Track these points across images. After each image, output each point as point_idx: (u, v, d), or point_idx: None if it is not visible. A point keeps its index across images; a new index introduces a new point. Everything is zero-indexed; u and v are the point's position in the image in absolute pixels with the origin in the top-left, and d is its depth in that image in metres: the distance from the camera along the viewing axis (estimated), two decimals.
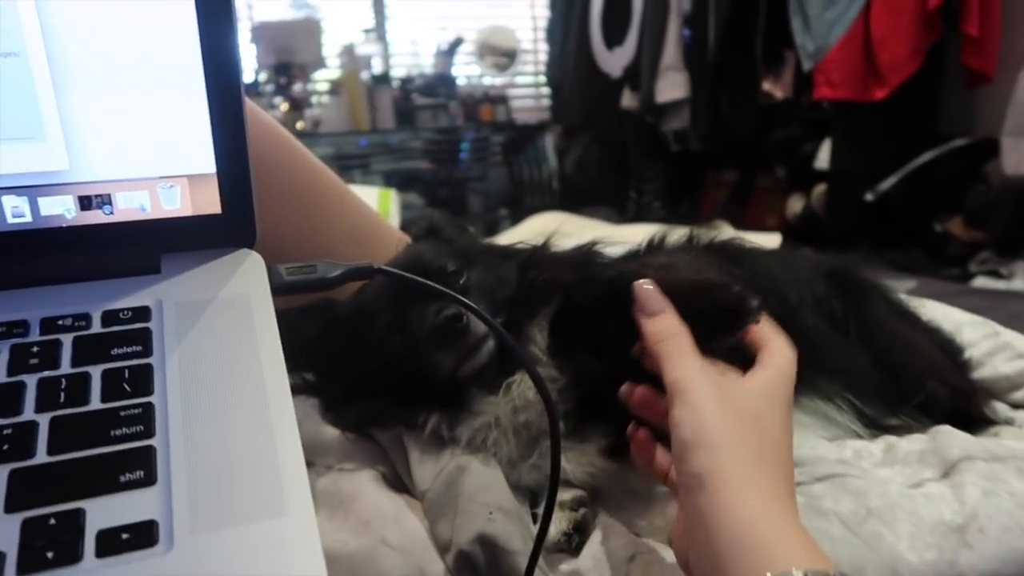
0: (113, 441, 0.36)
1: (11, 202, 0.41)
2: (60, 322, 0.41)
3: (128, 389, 0.38)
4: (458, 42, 3.78)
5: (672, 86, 2.97)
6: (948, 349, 0.78)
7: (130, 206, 0.44)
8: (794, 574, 0.36)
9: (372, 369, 0.63)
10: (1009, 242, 2.22)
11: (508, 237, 2.19)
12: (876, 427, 0.65)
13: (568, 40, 3.62)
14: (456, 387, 0.59)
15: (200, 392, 0.38)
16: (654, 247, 0.74)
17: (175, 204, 0.44)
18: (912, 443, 0.61)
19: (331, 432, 0.63)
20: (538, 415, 0.57)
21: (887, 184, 2.44)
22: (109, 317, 0.41)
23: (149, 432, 0.36)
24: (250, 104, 0.55)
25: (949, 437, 0.59)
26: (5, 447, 0.35)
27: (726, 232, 1.71)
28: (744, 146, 2.98)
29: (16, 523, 0.32)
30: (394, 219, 1.52)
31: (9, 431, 0.35)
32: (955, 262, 2.29)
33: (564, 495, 0.56)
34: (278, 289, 0.45)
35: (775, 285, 0.67)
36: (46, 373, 0.38)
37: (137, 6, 0.41)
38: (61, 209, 0.42)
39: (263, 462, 0.36)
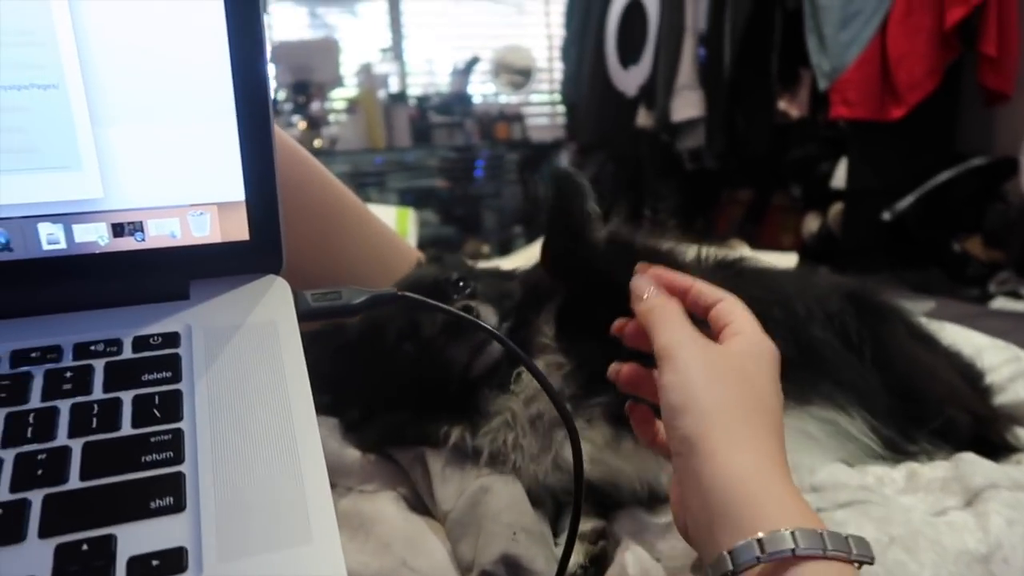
0: (143, 467, 0.36)
1: (47, 229, 0.42)
2: (92, 347, 0.41)
3: (158, 415, 0.39)
4: (474, 61, 3.81)
5: (687, 105, 2.98)
6: (969, 374, 0.77)
7: (161, 233, 0.45)
8: (783, 532, 0.36)
9: (387, 380, 0.64)
10: None
11: (523, 256, 2.19)
12: (893, 449, 0.65)
13: (583, 59, 3.64)
14: (471, 389, 0.60)
15: (228, 418, 0.39)
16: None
17: (205, 231, 0.45)
18: (934, 470, 0.61)
19: (352, 453, 0.63)
20: (548, 403, 0.58)
21: (904, 203, 2.43)
22: (140, 343, 0.42)
23: (178, 458, 0.37)
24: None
25: (972, 465, 0.59)
26: (39, 472, 0.35)
27: (741, 251, 1.71)
28: (760, 165, 2.98)
29: (50, 549, 0.33)
30: (411, 238, 1.53)
31: (43, 456, 0.36)
32: (974, 282, 2.27)
33: (584, 525, 0.56)
34: (304, 315, 0.46)
35: (782, 297, 0.67)
36: (79, 398, 0.39)
37: (173, 39, 0.42)
38: (95, 236, 0.43)
39: (290, 489, 0.36)
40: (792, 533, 0.36)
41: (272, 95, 0.48)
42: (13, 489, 0.35)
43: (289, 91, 3.36)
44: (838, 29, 2.35)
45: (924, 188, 2.41)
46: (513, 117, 3.84)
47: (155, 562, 0.32)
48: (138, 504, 0.35)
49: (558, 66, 4.10)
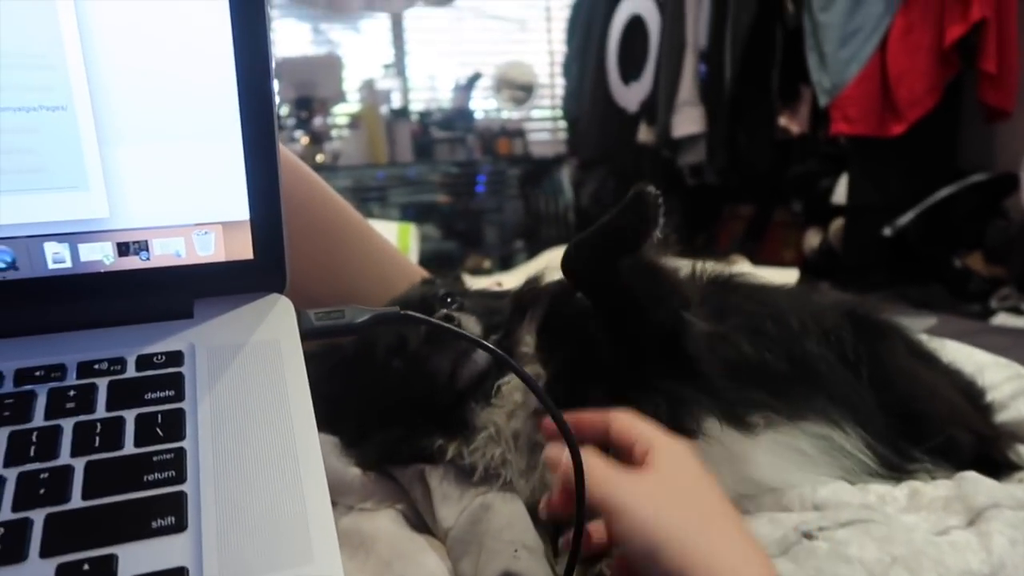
0: (146, 486, 0.36)
1: (52, 248, 0.43)
2: (96, 366, 0.42)
3: (161, 434, 0.39)
4: (476, 77, 3.83)
5: (688, 121, 2.99)
6: (970, 392, 0.77)
7: (166, 252, 0.45)
8: None
9: (380, 397, 0.64)
10: None
11: (524, 271, 2.20)
12: (889, 466, 0.64)
13: (585, 75, 3.66)
14: (459, 402, 0.60)
15: (230, 437, 0.39)
16: None
17: (209, 250, 0.45)
18: (937, 489, 0.60)
19: (352, 471, 0.63)
20: (525, 421, 0.58)
21: (905, 219, 2.43)
22: (143, 361, 0.42)
23: (180, 477, 0.37)
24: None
25: (975, 484, 0.59)
26: (42, 491, 0.36)
27: (742, 267, 1.71)
28: (761, 180, 2.98)
29: (51, 568, 0.33)
30: (413, 254, 1.53)
31: (46, 475, 0.36)
32: (976, 298, 2.27)
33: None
34: (307, 334, 0.46)
35: (776, 312, 0.67)
36: (82, 417, 0.39)
37: (180, 61, 0.43)
38: (100, 255, 0.44)
39: (291, 508, 0.36)
40: None
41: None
42: (16, 508, 0.35)
43: (292, 106, 3.38)
44: (838, 46, 2.36)
45: (925, 204, 2.41)
46: (515, 133, 3.86)
47: None
48: (140, 523, 0.35)
49: (560, 82, 4.12)
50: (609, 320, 0.59)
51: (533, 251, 3.27)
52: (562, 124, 4.20)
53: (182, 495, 0.36)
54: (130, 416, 0.39)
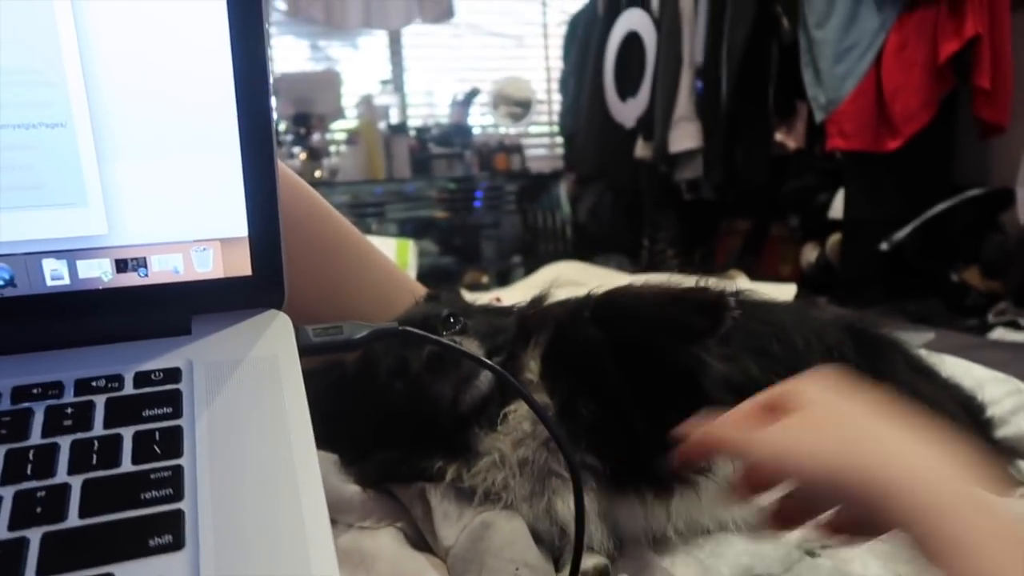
0: (143, 504, 0.36)
1: (51, 265, 0.43)
2: (94, 383, 0.41)
3: (158, 451, 0.38)
4: (474, 93, 3.85)
5: (685, 136, 3.00)
6: (970, 407, 0.77)
7: (164, 268, 0.45)
8: None
9: (381, 418, 0.63)
10: None
11: (522, 286, 2.20)
12: None
13: (582, 91, 3.68)
14: (461, 426, 0.60)
15: (228, 454, 0.39)
16: None
17: (207, 267, 0.45)
18: None
19: (352, 489, 0.63)
20: (535, 450, 0.57)
21: (902, 234, 2.44)
22: (141, 378, 0.42)
23: (178, 495, 0.37)
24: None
25: None
26: (38, 510, 0.35)
27: (741, 282, 1.71)
28: (757, 195, 2.99)
29: None
30: (412, 270, 1.54)
31: (43, 493, 0.36)
32: (973, 312, 2.27)
33: (587, 562, 0.55)
34: (305, 350, 0.46)
35: (781, 331, 0.67)
36: (79, 435, 0.39)
37: (179, 78, 0.43)
38: (98, 272, 0.44)
39: (289, 526, 0.36)
40: None
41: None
42: (12, 527, 0.34)
43: (290, 122, 3.39)
44: (834, 63, 2.38)
45: (921, 219, 2.42)
46: (512, 148, 3.87)
47: None
48: (137, 542, 0.34)
49: (557, 98, 4.14)
50: (622, 354, 0.58)
51: (530, 266, 3.27)
52: (559, 140, 4.22)
53: (179, 513, 0.36)
54: (128, 433, 0.39)
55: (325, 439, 0.65)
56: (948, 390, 0.78)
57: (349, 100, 3.68)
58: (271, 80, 0.45)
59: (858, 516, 0.41)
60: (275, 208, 0.46)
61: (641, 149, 3.30)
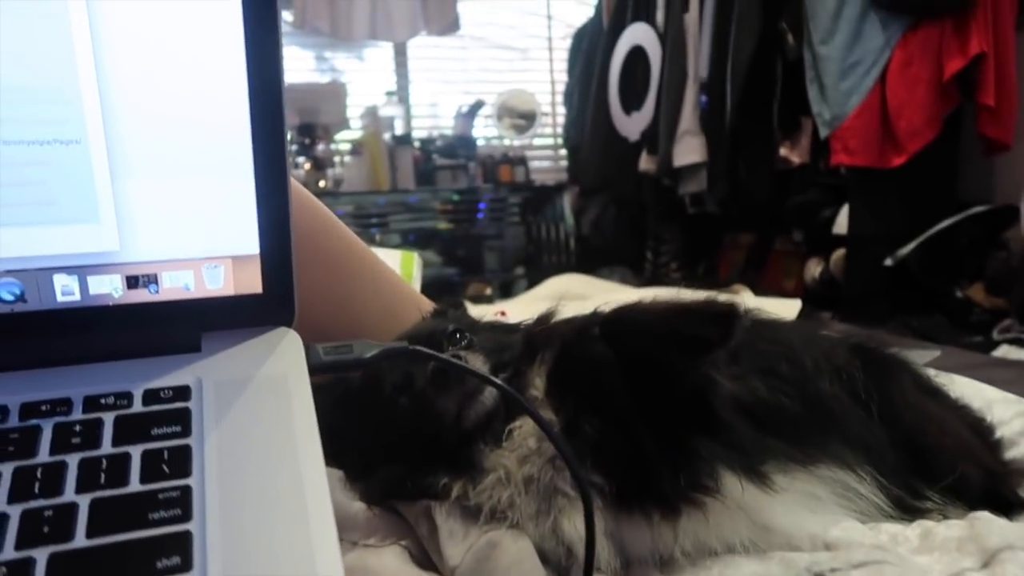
0: (151, 524, 0.36)
1: (62, 281, 0.43)
2: (102, 400, 0.41)
3: (167, 471, 0.38)
4: (478, 105, 3.87)
5: (689, 150, 3.01)
6: (979, 428, 0.77)
7: (175, 285, 0.45)
8: None
9: (385, 433, 0.63)
10: None
11: (526, 299, 2.19)
12: (902, 507, 0.64)
13: (586, 104, 3.69)
14: (466, 442, 0.59)
15: (236, 474, 0.39)
16: None
17: (218, 284, 0.45)
18: (949, 529, 0.60)
19: (356, 506, 0.62)
20: (541, 467, 0.57)
21: (906, 250, 2.44)
22: (150, 396, 0.42)
23: (186, 516, 0.36)
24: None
25: (988, 524, 0.58)
26: (46, 529, 0.35)
27: (746, 297, 1.71)
28: (761, 210, 3.00)
29: None
30: (416, 282, 1.53)
31: (50, 512, 0.36)
32: (978, 329, 2.26)
33: None
34: (315, 368, 0.46)
35: (789, 350, 0.67)
36: (87, 453, 0.39)
37: (195, 96, 0.43)
38: (109, 288, 0.44)
39: (298, 547, 0.36)
40: None
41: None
42: (19, 547, 0.34)
43: (295, 133, 3.40)
44: (838, 79, 2.38)
45: (926, 235, 2.42)
46: (516, 160, 3.88)
47: None
48: (144, 563, 0.34)
49: (561, 110, 4.16)
50: (630, 371, 0.58)
51: (534, 278, 3.27)
52: (563, 152, 4.23)
53: (188, 534, 0.35)
54: (136, 452, 0.39)
55: (331, 454, 0.65)
56: (957, 411, 0.77)
57: (354, 111, 3.69)
58: (284, 98, 0.45)
59: None
60: (287, 226, 0.46)
61: (645, 162, 3.31)
